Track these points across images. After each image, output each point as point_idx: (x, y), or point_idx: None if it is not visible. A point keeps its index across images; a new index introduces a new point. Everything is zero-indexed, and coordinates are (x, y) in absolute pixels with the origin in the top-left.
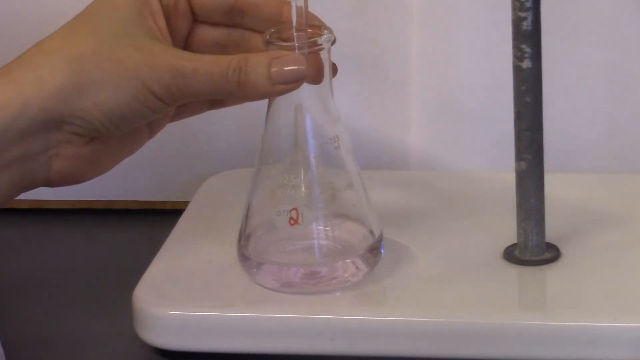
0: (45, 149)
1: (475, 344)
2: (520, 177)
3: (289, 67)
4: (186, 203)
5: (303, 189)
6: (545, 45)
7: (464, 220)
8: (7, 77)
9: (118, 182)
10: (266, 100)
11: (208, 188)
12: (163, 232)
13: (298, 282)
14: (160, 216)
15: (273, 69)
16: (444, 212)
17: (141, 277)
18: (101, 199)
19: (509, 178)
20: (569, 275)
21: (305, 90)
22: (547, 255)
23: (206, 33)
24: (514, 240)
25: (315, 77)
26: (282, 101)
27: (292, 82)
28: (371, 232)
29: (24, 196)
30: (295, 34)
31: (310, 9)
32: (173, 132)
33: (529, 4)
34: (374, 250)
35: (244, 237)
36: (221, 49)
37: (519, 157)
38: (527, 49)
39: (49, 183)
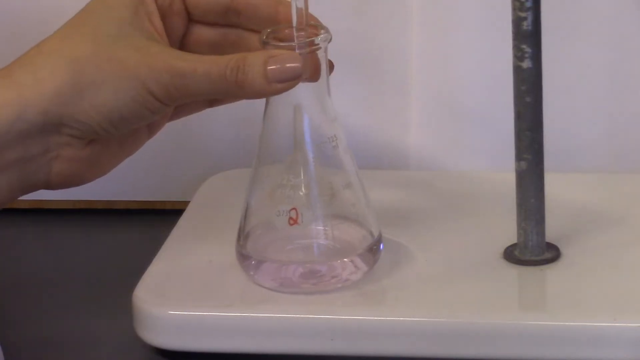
0: (45, 151)
1: (475, 344)
2: (520, 177)
3: (285, 65)
4: (186, 203)
5: (302, 189)
6: (545, 45)
7: (464, 220)
8: (7, 79)
9: (118, 182)
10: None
11: (208, 188)
12: (163, 232)
13: (297, 281)
14: (160, 216)
15: (269, 67)
16: (444, 212)
17: (141, 277)
18: (101, 199)
19: (509, 178)
20: (569, 275)
21: (303, 90)
22: (547, 255)
23: (202, 33)
24: (514, 240)
25: (312, 73)
26: (280, 101)
27: (289, 81)
28: (370, 231)
29: (24, 196)
30: (295, 34)
31: (310, 9)
32: (173, 132)
33: (529, 4)
34: (373, 249)
35: (242, 237)
36: (217, 48)
37: (519, 157)
38: (527, 49)
39: (49, 185)
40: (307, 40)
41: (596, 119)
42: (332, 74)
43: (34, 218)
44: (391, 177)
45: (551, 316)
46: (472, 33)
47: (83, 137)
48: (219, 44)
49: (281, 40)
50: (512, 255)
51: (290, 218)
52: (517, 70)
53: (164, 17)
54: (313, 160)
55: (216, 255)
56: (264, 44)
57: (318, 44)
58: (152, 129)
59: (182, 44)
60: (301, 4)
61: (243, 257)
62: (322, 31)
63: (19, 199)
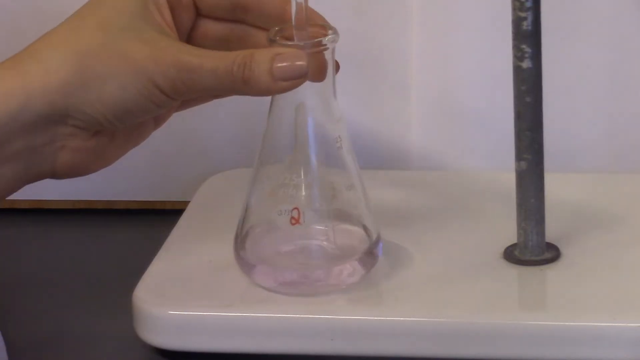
0: (51, 141)
1: (475, 344)
2: (520, 177)
3: (291, 64)
4: (186, 203)
5: (305, 189)
6: (545, 45)
7: (464, 220)
8: (14, 69)
9: (118, 182)
10: (268, 98)
11: (208, 188)
12: (163, 232)
13: (296, 282)
14: (160, 216)
15: (275, 65)
16: (444, 212)
17: (141, 277)
18: (101, 199)
19: (509, 178)
20: (569, 275)
21: (309, 90)
22: (547, 255)
23: (209, 28)
24: (514, 240)
25: (318, 73)
26: (285, 100)
27: (294, 79)
28: (370, 234)
29: (24, 196)
30: (295, 32)
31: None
32: (173, 132)
33: (529, 4)
34: (372, 252)
35: (241, 236)
36: (224, 44)
37: (519, 157)
38: (527, 49)
39: (54, 175)
40: (315, 40)
41: (596, 119)
42: None
43: (34, 218)
44: (391, 177)
45: (551, 316)
46: (472, 33)
47: (89, 128)
48: (226, 39)
49: (288, 39)
50: (512, 255)
51: (292, 217)
52: (517, 70)
53: (172, 10)
54: (316, 160)
55: (216, 255)
56: (271, 42)
57: (325, 45)
58: (158, 120)
59: (189, 37)
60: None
61: (242, 256)
62: (330, 31)
63: (19, 199)
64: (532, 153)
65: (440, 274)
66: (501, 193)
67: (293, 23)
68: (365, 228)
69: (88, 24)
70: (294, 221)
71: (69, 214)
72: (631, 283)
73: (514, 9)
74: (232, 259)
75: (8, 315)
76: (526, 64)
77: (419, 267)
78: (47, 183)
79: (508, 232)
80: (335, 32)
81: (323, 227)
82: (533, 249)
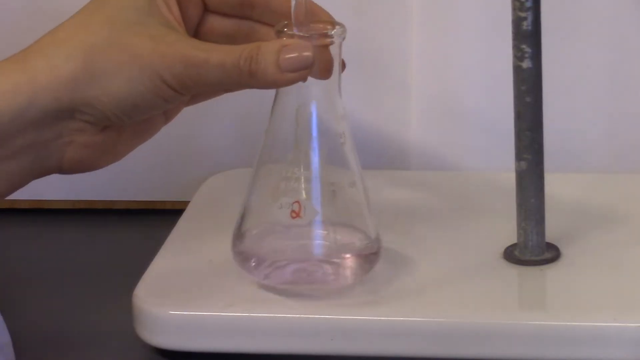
0: (58, 136)
1: (475, 344)
2: (520, 177)
3: (297, 54)
4: (186, 203)
5: (306, 183)
6: (545, 45)
7: (464, 220)
8: (21, 65)
9: (118, 182)
10: (269, 98)
11: (208, 188)
12: (163, 232)
13: (296, 279)
14: (160, 216)
15: (282, 56)
16: (444, 212)
17: (141, 277)
18: (101, 199)
19: (509, 178)
20: (569, 275)
21: (313, 86)
22: (547, 255)
23: (216, 23)
24: (514, 240)
25: (324, 71)
26: (289, 95)
27: (300, 70)
28: (370, 231)
29: (24, 196)
30: (294, 27)
31: None
32: (173, 132)
33: (529, 4)
34: (373, 250)
35: (241, 231)
36: (230, 39)
37: (519, 157)
38: (527, 49)
39: (62, 170)
40: (322, 32)
41: (596, 119)
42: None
43: (34, 218)
44: (391, 177)
45: (551, 316)
46: (472, 33)
47: (96, 123)
48: (233, 35)
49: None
50: (512, 255)
51: (293, 211)
52: (517, 70)
53: (180, 5)
54: (319, 155)
55: (216, 255)
56: (278, 34)
57: (332, 37)
58: (168, 115)
59: (196, 32)
60: None
61: (240, 251)
62: (337, 26)
63: (19, 199)
64: (532, 153)
65: (440, 274)
66: (501, 193)
67: (292, 19)
68: (365, 225)
69: (95, 19)
70: (295, 214)
71: (69, 214)
72: (631, 283)
73: (514, 9)
74: (232, 258)
75: (8, 316)
76: (526, 64)
77: (419, 267)
78: (48, 183)
79: (508, 232)
80: (342, 27)
81: (323, 222)
82: (533, 249)
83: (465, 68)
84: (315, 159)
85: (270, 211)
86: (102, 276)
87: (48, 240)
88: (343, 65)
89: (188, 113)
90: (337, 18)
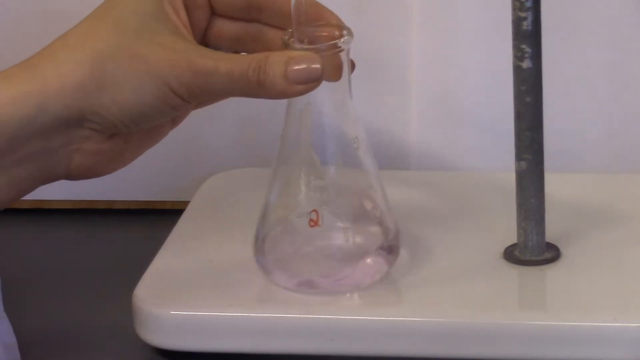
0: (66, 144)
1: (475, 344)
2: (520, 177)
3: (305, 67)
4: (186, 203)
5: (323, 191)
6: (545, 45)
7: (464, 220)
8: (30, 72)
9: (118, 182)
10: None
11: (208, 188)
12: (163, 232)
13: (315, 282)
14: (160, 216)
15: (290, 68)
16: (444, 212)
17: (141, 277)
18: (101, 199)
19: (509, 178)
20: (569, 275)
21: (325, 90)
22: (547, 255)
23: (224, 27)
24: (514, 240)
25: (334, 75)
26: (302, 101)
27: (309, 82)
28: (390, 233)
29: (24, 196)
30: (295, 29)
31: None
32: (173, 132)
33: (529, 4)
34: (393, 250)
35: (261, 237)
36: (239, 43)
37: (519, 157)
38: (527, 49)
39: (69, 177)
40: (330, 43)
41: (596, 119)
42: None
43: (34, 218)
44: (391, 177)
45: (551, 316)
46: (472, 33)
47: (104, 131)
48: (241, 38)
49: (302, 41)
50: (512, 255)
51: (311, 220)
52: (517, 70)
53: (187, 9)
54: (334, 161)
55: (216, 255)
56: (285, 45)
57: (340, 47)
58: (175, 120)
59: (204, 37)
60: None
61: (261, 260)
62: (345, 32)
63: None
64: (532, 153)
65: (440, 274)
66: (501, 193)
67: (292, 20)
68: (384, 227)
69: (103, 25)
70: (313, 223)
71: (69, 214)
72: (631, 283)
73: (514, 9)
74: (232, 258)
75: (7, 316)
76: (526, 64)
77: (419, 267)
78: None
79: (508, 232)
80: (349, 32)
81: (342, 229)
82: (533, 249)
83: (465, 68)
84: (330, 166)
85: (289, 218)
86: (102, 276)
87: (49, 240)
88: (352, 66)
89: (189, 114)
90: None
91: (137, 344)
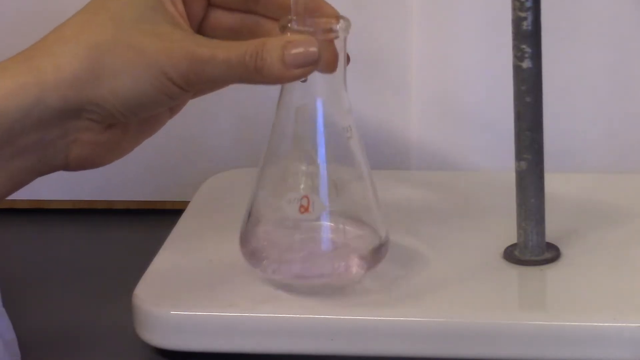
0: (64, 135)
1: (475, 344)
2: (520, 177)
3: (302, 50)
4: (186, 203)
5: (314, 178)
6: (545, 45)
7: (464, 220)
8: (26, 64)
9: (118, 182)
10: (269, 96)
11: (208, 188)
12: (163, 232)
13: (304, 273)
14: (160, 216)
15: (287, 52)
16: (444, 212)
17: (141, 277)
18: (101, 199)
19: (509, 178)
20: (569, 275)
21: (319, 80)
22: (547, 255)
23: (221, 18)
24: (514, 240)
25: (329, 65)
26: (295, 90)
27: (306, 66)
28: (378, 224)
29: (24, 196)
30: (293, 19)
31: None
32: (173, 132)
33: (529, 4)
34: (381, 243)
35: (249, 227)
36: (235, 34)
37: (519, 157)
38: (527, 49)
39: (67, 168)
40: (327, 27)
41: (596, 119)
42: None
43: (34, 218)
44: (391, 176)
45: (551, 316)
46: (472, 33)
47: (102, 121)
48: (237, 29)
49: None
50: (512, 255)
51: (302, 206)
52: (517, 70)
53: (184, 0)
54: (326, 149)
55: (216, 255)
56: (283, 29)
57: (336, 31)
58: (173, 109)
59: (200, 28)
60: None
61: (248, 246)
62: (342, 20)
63: (19, 199)
64: (532, 153)
65: (440, 274)
66: (501, 193)
67: (292, 11)
68: (372, 219)
69: (100, 16)
70: (303, 209)
71: (69, 214)
72: (631, 283)
73: (514, 9)
74: (232, 258)
75: (7, 316)
76: (526, 64)
77: (419, 267)
78: (48, 183)
79: (508, 232)
80: (347, 21)
81: (332, 216)
82: (533, 249)
83: (465, 68)
84: (322, 154)
85: (278, 206)
86: (102, 276)
87: (48, 240)
88: (348, 59)
89: (188, 113)
90: None
91: (137, 344)
